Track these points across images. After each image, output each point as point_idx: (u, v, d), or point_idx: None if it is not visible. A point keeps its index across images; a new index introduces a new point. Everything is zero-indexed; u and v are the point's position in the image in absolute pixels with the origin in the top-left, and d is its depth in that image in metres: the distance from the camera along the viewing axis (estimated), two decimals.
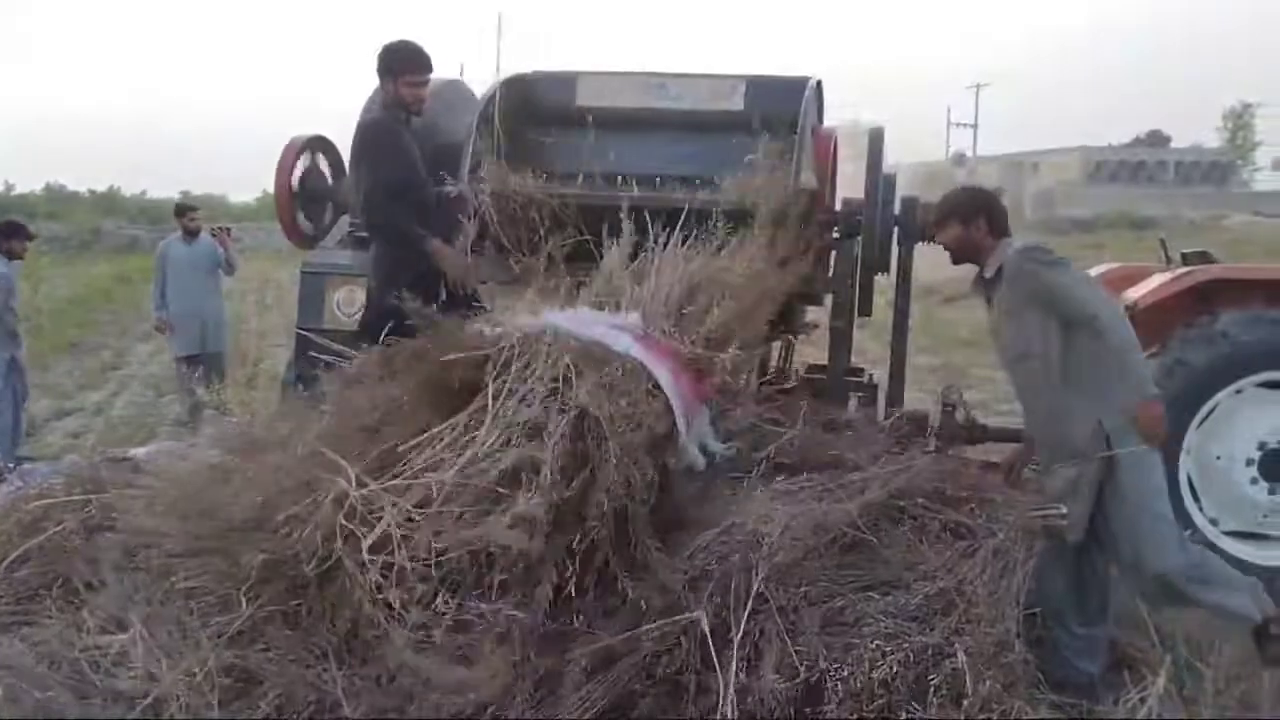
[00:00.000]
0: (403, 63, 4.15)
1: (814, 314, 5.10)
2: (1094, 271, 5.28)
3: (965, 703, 2.58)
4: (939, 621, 2.72)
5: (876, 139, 4.42)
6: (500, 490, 2.80)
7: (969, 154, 49.19)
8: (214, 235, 8.08)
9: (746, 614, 2.59)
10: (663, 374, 3.09)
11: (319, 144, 5.85)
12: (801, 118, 4.38)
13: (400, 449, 3.00)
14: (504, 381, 3.00)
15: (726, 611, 2.63)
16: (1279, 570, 3.95)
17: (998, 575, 2.92)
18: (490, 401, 2.97)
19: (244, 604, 2.90)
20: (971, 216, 3.23)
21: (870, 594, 2.83)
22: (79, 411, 8.47)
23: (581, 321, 3.24)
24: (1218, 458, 4.05)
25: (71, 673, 2.79)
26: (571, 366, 2.95)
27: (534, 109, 5.20)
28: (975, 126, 51.17)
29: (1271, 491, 4.05)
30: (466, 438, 2.94)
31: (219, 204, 48.12)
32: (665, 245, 3.66)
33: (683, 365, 3.20)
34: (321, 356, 4.79)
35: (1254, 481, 4.05)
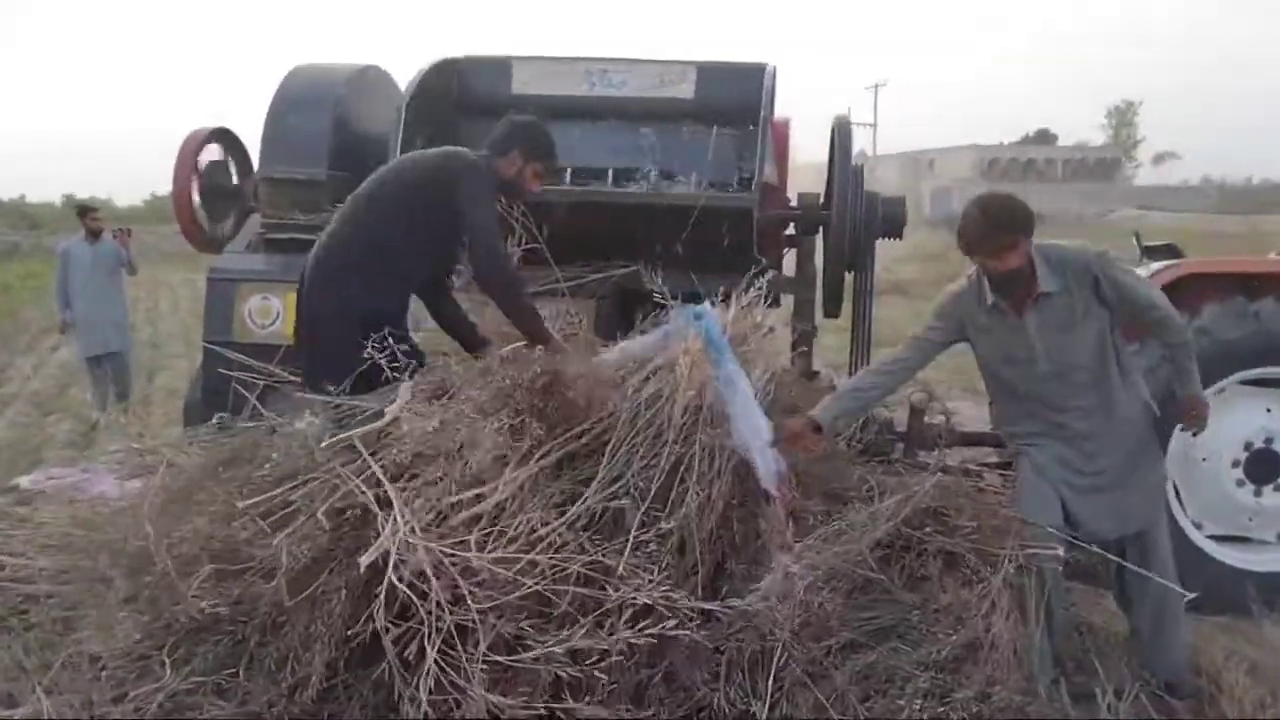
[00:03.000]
0: (545, 152, 3.45)
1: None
2: None
3: None
4: (973, 671, 2.45)
5: (844, 128, 4.16)
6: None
7: (869, 152, 50.08)
8: (115, 236, 8.07)
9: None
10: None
11: (223, 137, 5.34)
12: (763, 107, 4.08)
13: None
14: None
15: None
16: (1266, 575, 3.82)
17: (1017, 613, 2.66)
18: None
19: (168, 669, 2.45)
20: (1031, 228, 2.92)
21: (898, 644, 2.54)
22: None
23: (748, 418, 2.88)
24: (1203, 460, 3.89)
25: None
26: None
27: (465, 96, 4.81)
28: (874, 125, 52.20)
29: (1258, 494, 3.90)
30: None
31: (106, 208, 46.00)
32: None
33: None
34: (231, 373, 4.33)
35: (1240, 484, 3.90)
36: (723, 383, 2.87)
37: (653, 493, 2.64)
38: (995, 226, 2.86)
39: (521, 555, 2.38)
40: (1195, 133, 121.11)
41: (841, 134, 4.14)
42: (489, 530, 2.46)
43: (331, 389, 2.95)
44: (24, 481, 6.07)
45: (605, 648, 2.25)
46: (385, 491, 2.53)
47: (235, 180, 5.40)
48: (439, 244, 3.36)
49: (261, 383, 4.24)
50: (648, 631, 2.30)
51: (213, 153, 5.29)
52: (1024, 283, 2.92)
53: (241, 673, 2.48)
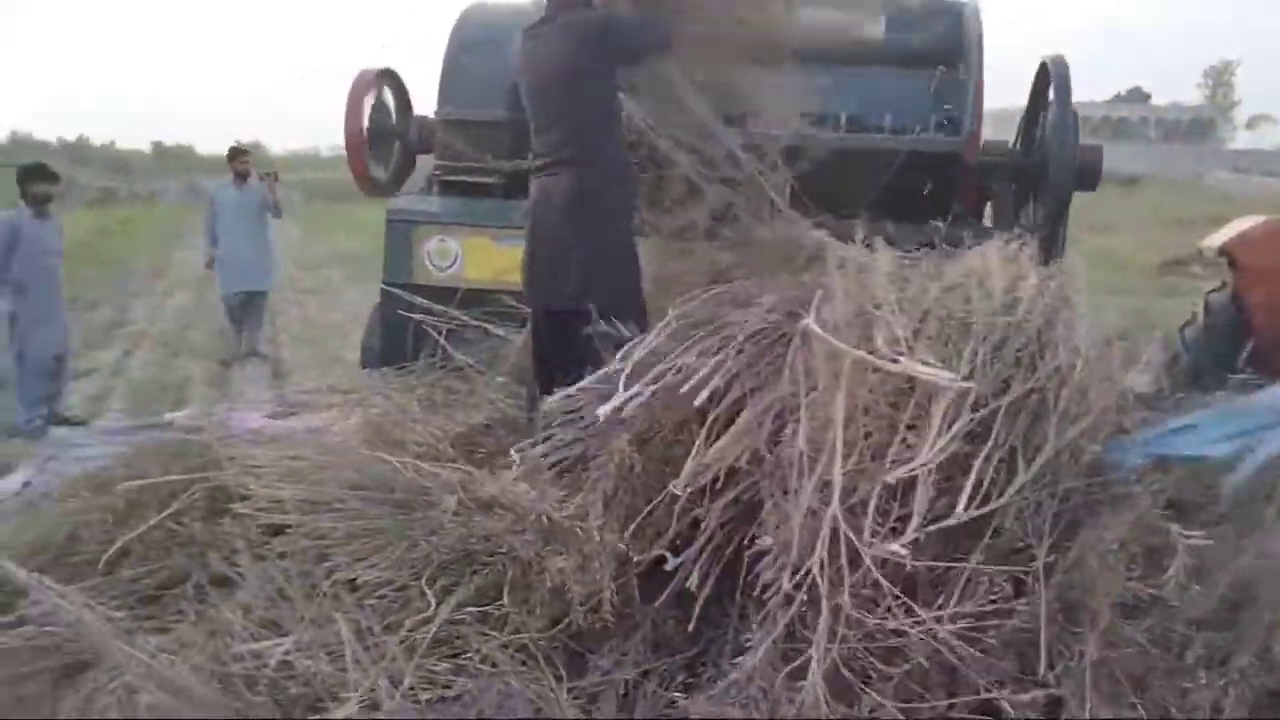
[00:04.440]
0: None
1: None
2: (1236, 226, 4.91)
3: None
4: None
5: (1062, 69, 3.97)
6: None
7: None
8: (262, 179, 8.39)
9: None
10: None
11: (388, 79, 5.32)
12: (973, 47, 3.91)
13: None
14: None
15: None
16: None
17: None
18: None
19: (431, 602, 2.45)
20: None
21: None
22: (93, 373, 7.89)
23: None
24: None
25: (225, 688, 2.35)
26: None
27: None
28: None
29: None
30: None
31: (189, 155, 46.95)
32: None
33: None
34: (412, 315, 4.35)
35: None
36: None
37: None
38: None
39: None
40: None
41: (1059, 75, 3.95)
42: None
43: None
44: (178, 417, 6.25)
45: None
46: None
47: (396, 122, 5.40)
48: None
49: (443, 326, 4.29)
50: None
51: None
52: None
53: (506, 604, 2.48)
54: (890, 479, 1.96)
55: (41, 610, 2.74)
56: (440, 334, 4.17)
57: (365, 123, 5.03)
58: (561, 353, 3.34)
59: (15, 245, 6.03)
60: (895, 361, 2.01)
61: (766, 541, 2.15)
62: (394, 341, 4.46)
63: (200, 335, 9.59)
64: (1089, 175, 4.21)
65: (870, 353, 2.08)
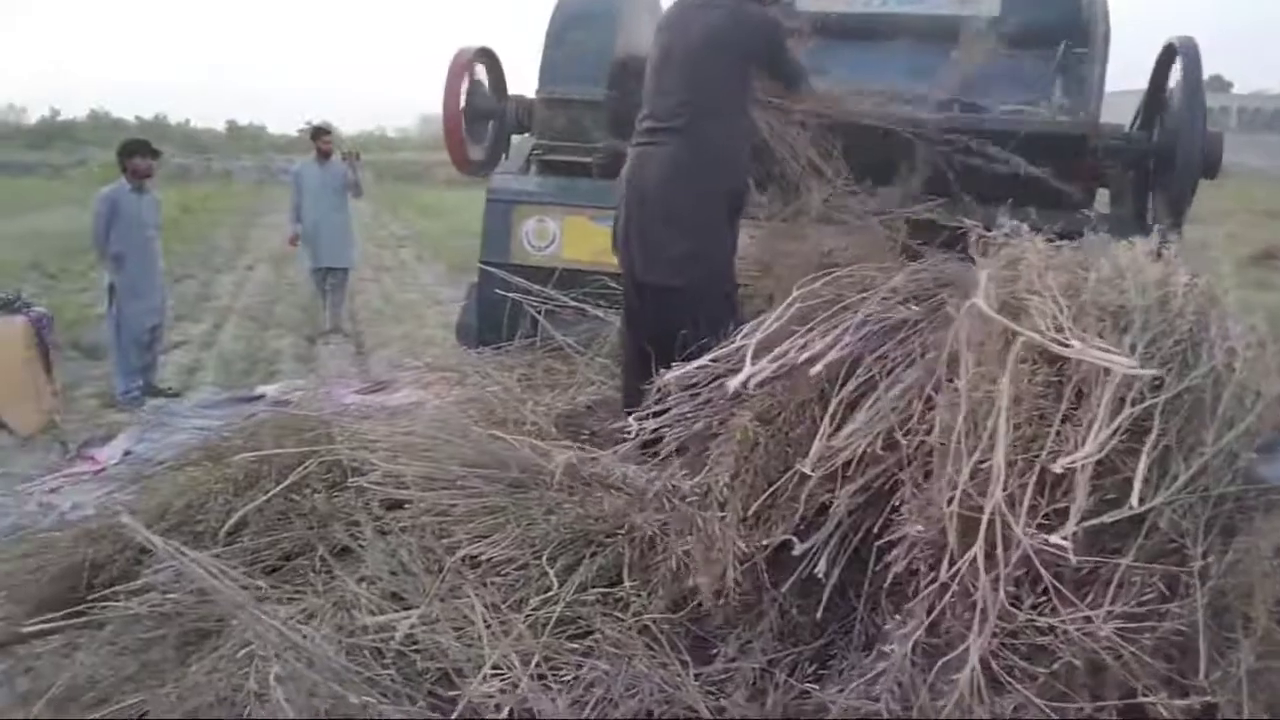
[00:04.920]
0: None
1: None
2: None
3: None
4: None
5: (1191, 50, 3.81)
6: None
7: None
8: (344, 159, 8.58)
9: None
10: None
11: (485, 57, 5.32)
12: (1099, 21, 3.76)
13: None
14: None
15: None
16: None
17: None
18: None
19: (554, 582, 2.44)
20: None
21: None
22: (185, 344, 8.07)
23: None
24: None
25: (353, 659, 2.37)
26: None
27: None
28: None
29: None
30: None
31: (261, 134, 47.87)
32: None
33: None
34: (510, 295, 4.35)
35: None
36: None
37: None
38: None
39: None
40: None
41: (1189, 56, 3.79)
42: None
43: None
44: (270, 391, 6.36)
45: None
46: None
47: (492, 102, 5.39)
48: None
49: (541, 306, 4.28)
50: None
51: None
52: None
53: (626, 585, 2.46)
54: (1057, 469, 1.89)
55: (164, 576, 2.81)
56: (539, 313, 4.17)
57: (463, 102, 5.03)
58: (646, 324, 3.33)
59: (115, 219, 6.17)
60: (1067, 345, 1.94)
61: (913, 528, 2.09)
62: (490, 320, 4.46)
63: (285, 310, 9.75)
64: (1212, 163, 4.04)
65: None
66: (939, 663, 1.92)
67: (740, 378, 2.46)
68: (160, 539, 2.47)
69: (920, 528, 2.06)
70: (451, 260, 13.38)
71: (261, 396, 6.36)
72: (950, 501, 1.99)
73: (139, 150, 6.22)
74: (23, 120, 48.11)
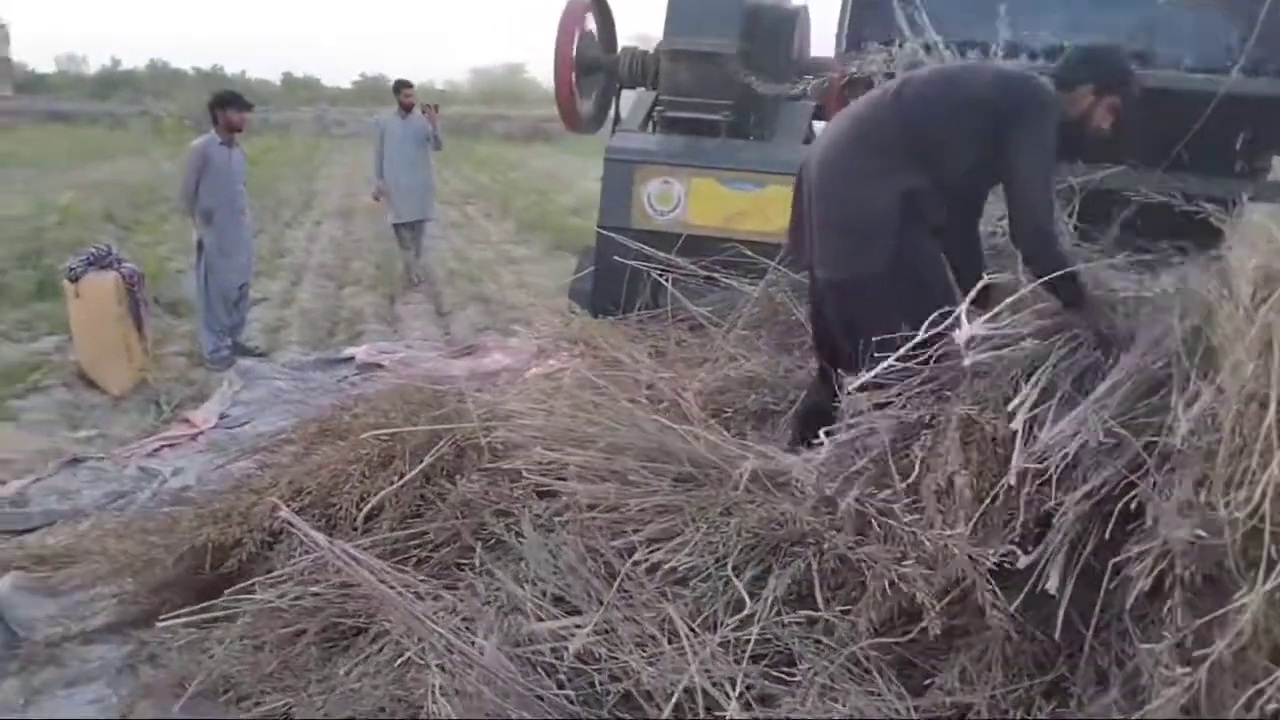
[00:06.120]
0: (1123, 80, 2.82)
1: None
2: None
3: None
4: None
5: None
6: None
7: None
8: (424, 112, 8.44)
9: None
10: None
11: (596, 6, 5.01)
12: None
13: None
14: None
15: None
16: None
17: None
18: None
19: (745, 597, 2.19)
20: None
21: None
22: (263, 302, 7.90)
23: None
24: None
25: (524, 674, 2.14)
26: None
27: None
28: None
29: None
30: None
31: (316, 86, 47.76)
32: None
33: None
34: (628, 262, 4.07)
35: None
36: None
37: None
38: None
39: None
40: None
41: None
42: None
43: None
44: (358, 353, 6.19)
45: None
46: None
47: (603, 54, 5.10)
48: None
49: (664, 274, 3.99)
50: None
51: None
52: None
53: (825, 606, 2.20)
54: None
55: (302, 565, 2.60)
56: (668, 282, 3.89)
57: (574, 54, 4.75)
58: (821, 320, 3.05)
59: (205, 172, 5.98)
60: None
61: (1174, 532, 1.81)
62: (608, 288, 4.20)
63: (361, 266, 9.58)
64: None
65: None
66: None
67: (968, 359, 2.20)
68: (324, 538, 2.25)
69: (1184, 533, 1.78)
70: (521, 218, 13.13)
71: (351, 359, 6.20)
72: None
73: (233, 102, 6.00)
74: (83, 70, 48.35)
